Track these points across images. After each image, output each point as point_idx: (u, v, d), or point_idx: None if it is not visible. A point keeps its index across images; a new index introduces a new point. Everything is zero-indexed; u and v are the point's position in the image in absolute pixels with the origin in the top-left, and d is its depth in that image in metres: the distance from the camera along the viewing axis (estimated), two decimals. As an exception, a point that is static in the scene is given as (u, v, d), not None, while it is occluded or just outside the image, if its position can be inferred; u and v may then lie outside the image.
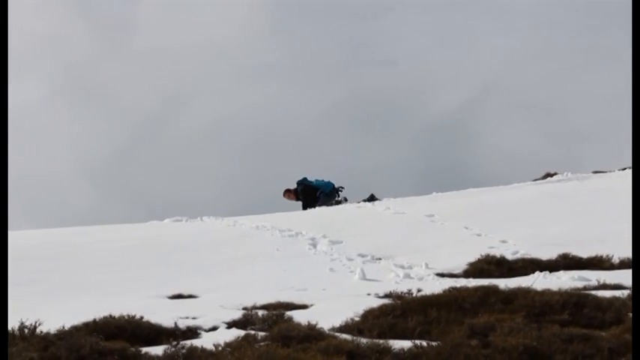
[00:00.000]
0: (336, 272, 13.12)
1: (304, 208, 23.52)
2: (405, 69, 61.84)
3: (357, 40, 62.81)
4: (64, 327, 8.85)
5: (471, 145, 58.05)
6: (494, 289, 10.06)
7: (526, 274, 12.41)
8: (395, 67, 61.76)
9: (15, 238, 17.14)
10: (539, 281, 11.22)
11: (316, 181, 23.95)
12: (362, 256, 14.27)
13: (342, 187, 23.96)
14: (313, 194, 23.73)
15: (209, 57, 62.39)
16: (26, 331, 8.75)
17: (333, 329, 9.23)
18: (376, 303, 10.18)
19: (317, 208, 22.40)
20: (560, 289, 10.19)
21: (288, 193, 24.07)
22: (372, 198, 23.00)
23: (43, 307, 11.04)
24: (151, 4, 62.14)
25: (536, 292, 9.77)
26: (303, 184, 23.92)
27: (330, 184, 23.85)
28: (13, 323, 8.80)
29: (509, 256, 13.33)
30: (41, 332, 8.74)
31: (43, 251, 15.25)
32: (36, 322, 8.82)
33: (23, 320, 8.82)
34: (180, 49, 61.66)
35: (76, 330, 8.82)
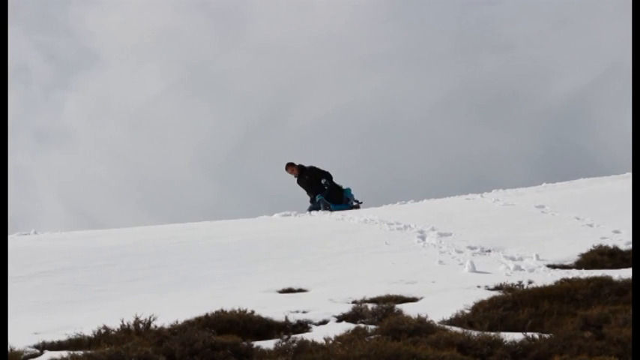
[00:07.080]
0: (445, 265, 13.06)
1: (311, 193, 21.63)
2: (523, 53, 60.62)
3: (473, 24, 61.94)
4: (177, 322, 9.02)
5: (592, 130, 56.67)
6: (607, 280, 9.90)
7: (640, 264, 12.17)
8: (513, 51, 60.64)
9: (132, 234, 17.52)
10: (654, 272, 10.99)
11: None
12: (471, 248, 14.17)
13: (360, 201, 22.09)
14: (317, 184, 21.67)
15: (323, 47, 62.41)
16: (141, 326, 8.95)
17: (443, 322, 9.20)
18: (486, 295, 10.11)
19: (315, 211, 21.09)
20: (676, 279, 9.96)
21: (291, 167, 21.92)
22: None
23: (158, 301, 11.26)
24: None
25: (651, 283, 9.57)
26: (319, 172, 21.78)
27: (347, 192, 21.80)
28: (128, 318, 9.01)
29: (623, 247, 13.08)
30: (155, 327, 8.92)
31: (157, 247, 15.54)
32: (150, 317, 9.01)
33: (138, 315, 9.01)
34: (294, 40, 61.84)
35: (189, 324, 8.98)
